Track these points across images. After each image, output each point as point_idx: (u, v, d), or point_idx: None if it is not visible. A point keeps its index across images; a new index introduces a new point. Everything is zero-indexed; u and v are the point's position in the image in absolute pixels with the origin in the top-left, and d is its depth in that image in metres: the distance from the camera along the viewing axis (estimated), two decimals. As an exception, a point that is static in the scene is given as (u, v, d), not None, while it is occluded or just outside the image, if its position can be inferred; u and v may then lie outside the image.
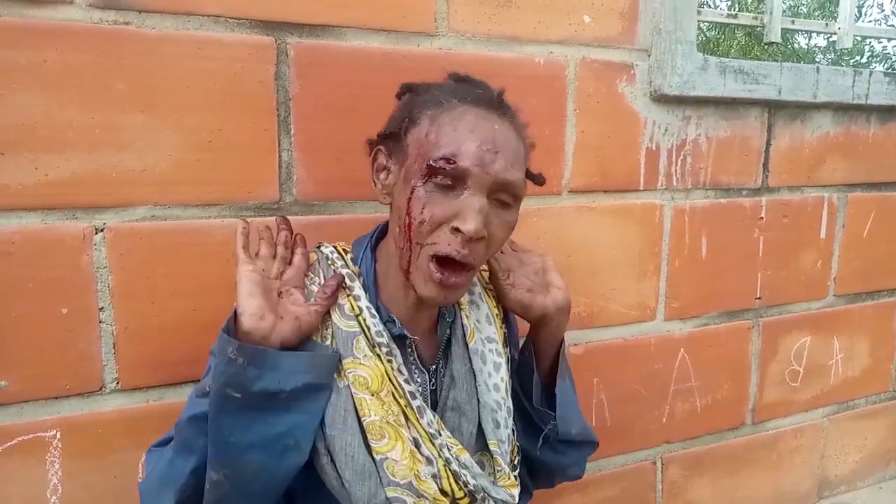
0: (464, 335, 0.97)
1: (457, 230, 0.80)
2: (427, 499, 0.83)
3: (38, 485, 0.99)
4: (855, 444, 1.88)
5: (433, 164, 0.79)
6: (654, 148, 1.41)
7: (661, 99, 1.38)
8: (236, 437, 0.76)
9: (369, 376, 0.84)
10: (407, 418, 0.86)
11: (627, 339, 1.46)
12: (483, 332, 0.99)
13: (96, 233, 0.98)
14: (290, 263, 0.90)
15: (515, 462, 1.01)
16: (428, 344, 0.95)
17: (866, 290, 1.79)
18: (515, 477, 0.98)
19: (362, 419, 0.83)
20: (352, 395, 0.83)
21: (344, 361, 0.85)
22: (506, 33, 1.22)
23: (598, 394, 1.45)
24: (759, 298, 1.61)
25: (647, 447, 1.54)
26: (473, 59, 1.19)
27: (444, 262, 0.82)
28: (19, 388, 0.97)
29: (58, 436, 0.99)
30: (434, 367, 0.94)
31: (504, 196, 0.84)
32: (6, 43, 0.90)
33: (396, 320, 0.89)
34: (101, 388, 1.01)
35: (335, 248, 0.95)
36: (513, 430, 1.00)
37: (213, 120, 1.02)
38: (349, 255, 0.94)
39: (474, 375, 0.96)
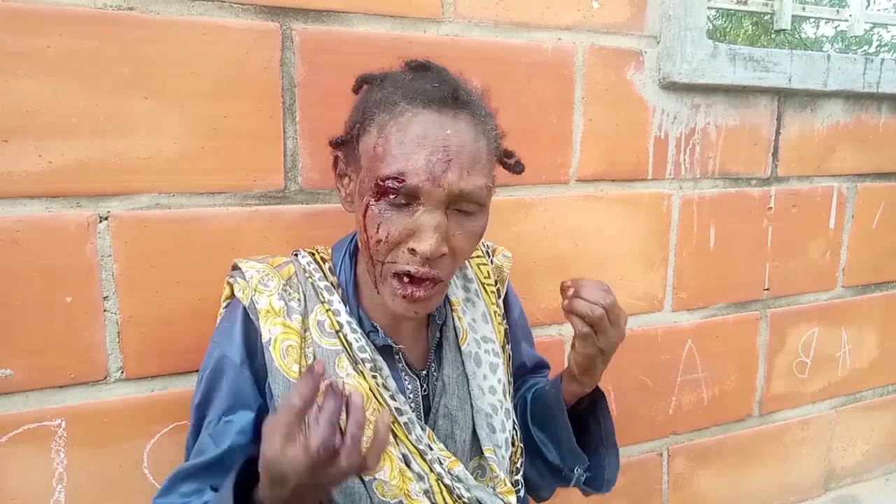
0: (456, 338, 0.94)
1: (412, 251, 0.76)
2: None
3: (43, 473, 0.99)
4: (862, 436, 1.87)
5: (382, 184, 0.75)
6: (662, 136, 1.39)
7: (670, 86, 1.37)
8: None
9: None
10: (395, 435, 0.83)
11: (634, 329, 1.44)
12: (478, 332, 0.96)
13: (101, 221, 0.97)
14: None
15: (518, 464, 0.98)
16: (417, 348, 0.92)
17: (875, 282, 1.77)
18: (516, 482, 0.96)
19: None
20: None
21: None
22: (513, 19, 1.20)
23: (605, 385, 1.42)
24: (768, 289, 1.60)
25: (654, 438, 1.53)
26: (480, 45, 1.18)
27: (408, 277, 0.79)
28: (24, 377, 0.96)
29: (63, 425, 0.99)
30: (425, 371, 0.91)
31: (464, 206, 0.78)
32: (9, 28, 0.89)
33: (380, 329, 0.87)
34: (105, 378, 1.00)
35: (313, 256, 0.91)
36: (514, 432, 0.97)
37: (217, 106, 1.01)
38: (327, 265, 0.91)
39: (467, 380, 0.92)
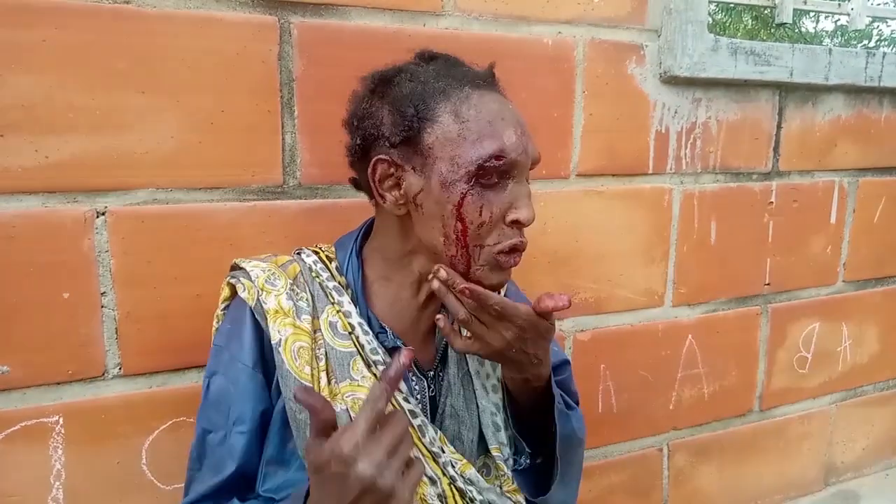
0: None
1: (516, 222, 0.79)
2: None
3: (41, 470, 0.98)
4: (862, 431, 1.87)
5: (486, 165, 0.76)
6: (663, 131, 1.38)
7: (671, 80, 1.36)
8: None
9: None
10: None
11: (635, 325, 1.44)
12: None
13: (98, 216, 0.97)
14: None
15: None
16: (425, 348, 0.91)
17: (876, 276, 1.77)
18: None
19: None
20: (351, 420, 0.80)
21: (340, 385, 0.81)
22: (513, 13, 1.20)
23: (605, 380, 1.43)
24: (768, 284, 1.60)
25: (654, 434, 1.53)
26: (480, 39, 1.17)
27: (514, 249, 0.81)
28: (21, 374, 0.96)
29: (61, 421, 0.98)
30: (432, 372, 0.90)
31: (528, 174, 0.83)
32: (4, 21, 0.88)
33: (388, 330, 0.86)
34: (103, 374, 1.00)
35: (318, 255, 0.90)
36: None
37: (215, 101, 1.00)
38: (333, 264, 0.89)
39: (471, 378, 0.92)
